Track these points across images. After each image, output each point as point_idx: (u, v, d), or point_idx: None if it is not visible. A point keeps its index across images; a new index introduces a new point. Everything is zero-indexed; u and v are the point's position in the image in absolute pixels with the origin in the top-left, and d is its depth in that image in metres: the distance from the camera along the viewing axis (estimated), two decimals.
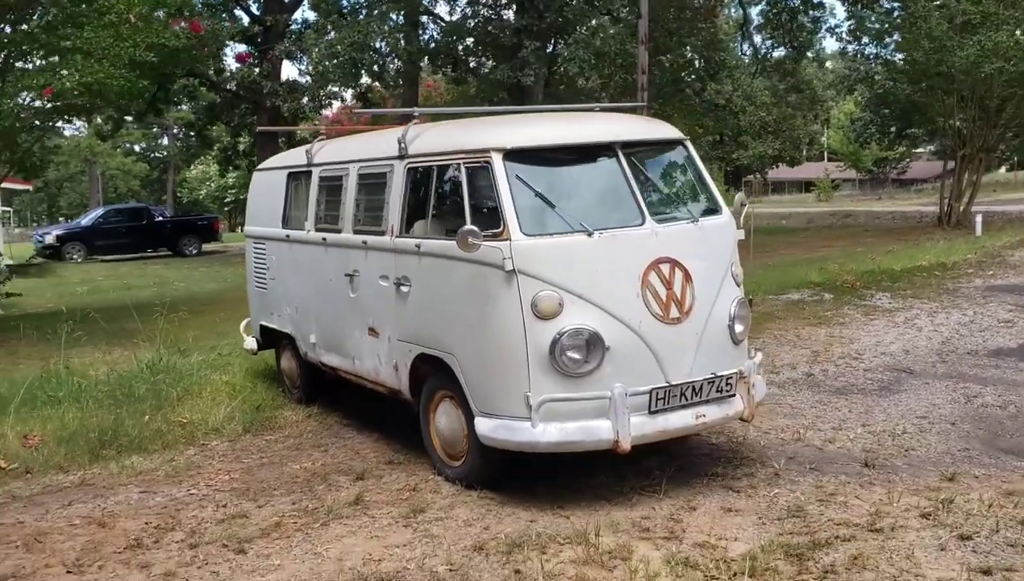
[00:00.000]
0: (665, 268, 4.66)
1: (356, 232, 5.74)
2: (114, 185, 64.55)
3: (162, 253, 31.20)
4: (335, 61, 18.89)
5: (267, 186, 7.29)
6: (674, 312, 4.67)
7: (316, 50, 19.88)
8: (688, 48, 24.84)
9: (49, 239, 30.90)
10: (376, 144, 5.79)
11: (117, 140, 51.80)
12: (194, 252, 31.18)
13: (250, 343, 7.74)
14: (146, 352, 8.88)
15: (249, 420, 6.69)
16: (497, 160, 4.66)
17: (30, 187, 33.31)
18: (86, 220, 33.34)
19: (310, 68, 22.85)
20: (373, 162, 5.63)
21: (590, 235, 4.56)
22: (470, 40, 23.00)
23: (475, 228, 4.49)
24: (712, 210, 5.17)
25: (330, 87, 25.94)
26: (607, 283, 4.56)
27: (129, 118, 35.48)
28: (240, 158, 38.02)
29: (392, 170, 5.38)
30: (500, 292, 4.54)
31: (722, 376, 4.75)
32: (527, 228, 4.55)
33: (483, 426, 4.64)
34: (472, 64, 25.68)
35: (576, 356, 4.46)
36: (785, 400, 6.68)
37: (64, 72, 10.72)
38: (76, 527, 4.83)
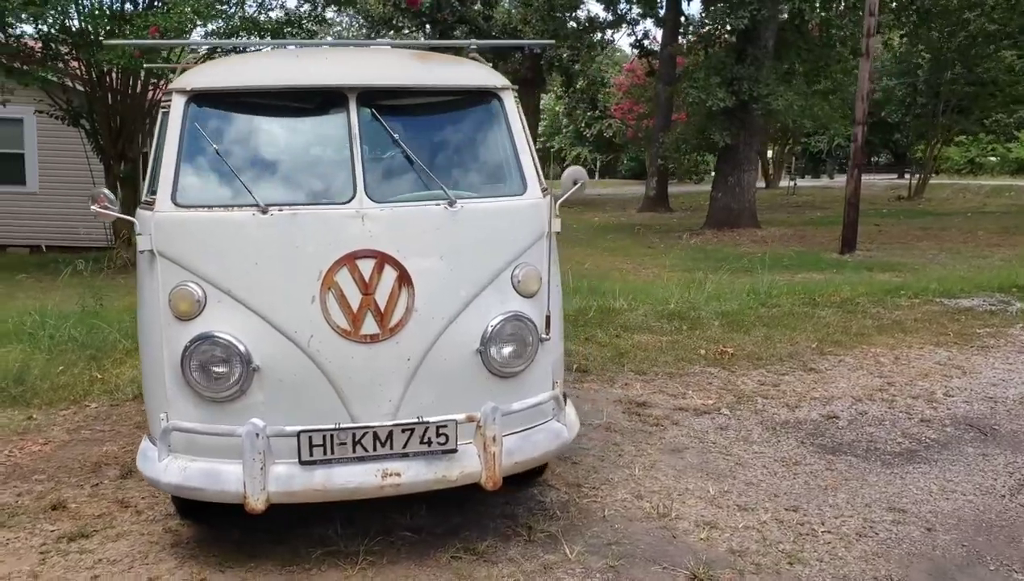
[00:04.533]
0: (366, 265, 3.33)
1: None
2: None
3: None
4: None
5: None
6: (369, 327, 3.33)
7: None
8: None
9: None
10: None
11: None
12: None
13: None
14: None
15: None
16: (176, 104, 3.55)
17: None
18: None
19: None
20: None
21: (264, 212, 3.35)
22: None
23: (106, 190, 3.48)
24: (511, 190, 3.69)
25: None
26: (272, 279, 3.33)
27: None
28: None
29: None
30: (145, 278, 3.49)
31: (430, 423, 3.34)
32: (184, 196, 3.43)
33: (141, 446, 3.66)
34: None
35: (213, 371, 3.31)
36: (739, 453, 4.90)
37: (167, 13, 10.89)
38: None
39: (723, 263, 12.93)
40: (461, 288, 3.46)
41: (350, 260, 3.32)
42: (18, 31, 12.78)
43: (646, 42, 30.56)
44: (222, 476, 3.29)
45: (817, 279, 11.29)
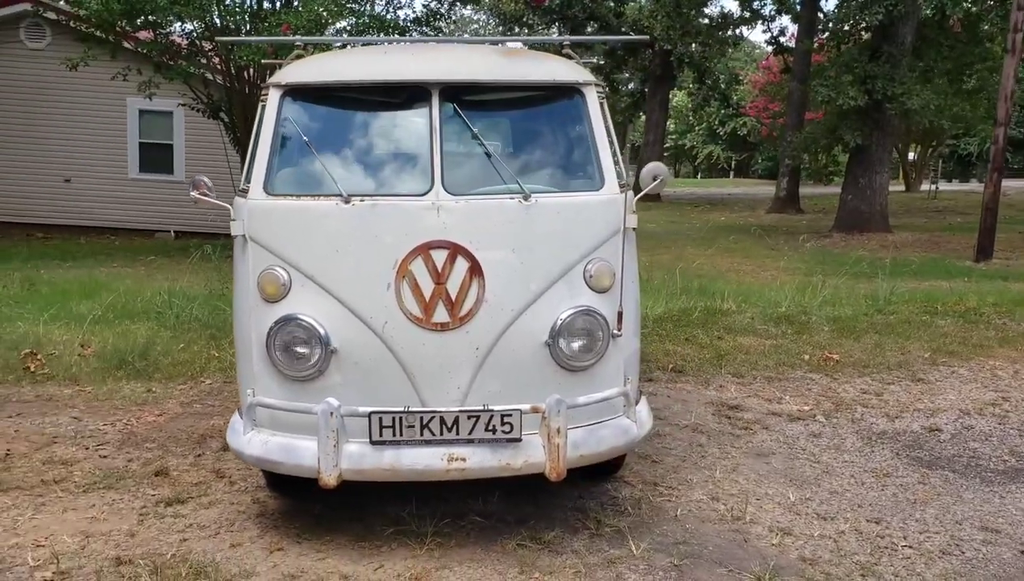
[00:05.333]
0: (439, 255, 3.43)
1: None
2: None
3: None
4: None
5: None
6: (440, 315, 3.44)
7: None
8: None
9: None
10: None
11: None
12: None
13: None
14: None
15: None
16: (272, 98, 3.76)
17: None
18: None
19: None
20: None
21: (347, 202, 3.50)
22: None
23: (205, 177, 3.71)
24: (587, 185, 3.72)
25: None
26: (350, 266, 3.48)
27: None
28: (643, 103, 37.87)
29: None
30: (240, 262, 3.71)
31: (495, 411, 3.41)
32: (275, 185, 3.63)
33: (231, 420, 3.89)
34: None
35: (295, 351, 3.49)
36: (828, 461, 4.78)
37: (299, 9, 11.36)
38: None
39: (845, 267, 12.48)
40: (532, 281, 3.52)
41: (424, 250, 3.43)
42: (168, 30, 13.60)
43: (782, 39, 29.74)
44: (299, 451, 3.47)
45: (944, 287, 10.77)
